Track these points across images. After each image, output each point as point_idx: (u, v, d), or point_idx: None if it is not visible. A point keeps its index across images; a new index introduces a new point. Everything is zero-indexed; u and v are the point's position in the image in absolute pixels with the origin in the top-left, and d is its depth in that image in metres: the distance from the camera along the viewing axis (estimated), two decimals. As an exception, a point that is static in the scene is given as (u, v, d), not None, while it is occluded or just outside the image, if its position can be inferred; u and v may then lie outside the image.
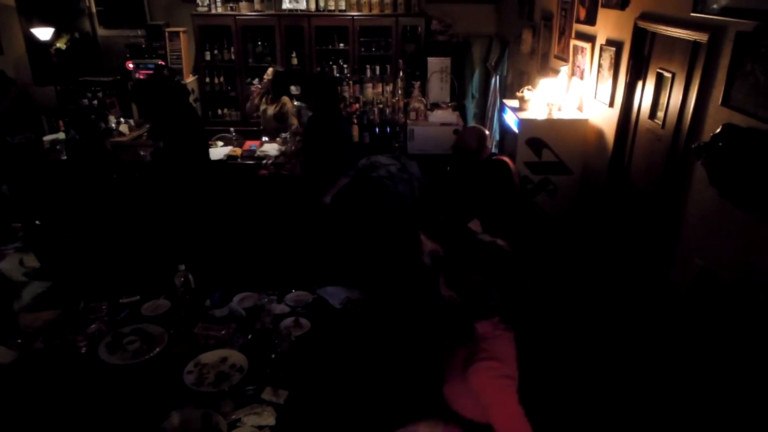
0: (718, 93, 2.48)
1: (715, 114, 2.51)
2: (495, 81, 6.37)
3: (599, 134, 3.89)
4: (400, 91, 5.56)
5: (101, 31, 6.86)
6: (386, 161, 4.66)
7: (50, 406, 2.06)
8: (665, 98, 3.04)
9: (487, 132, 3.61)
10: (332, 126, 3.98)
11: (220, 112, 6.86)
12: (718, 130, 2.30)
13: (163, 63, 6.44)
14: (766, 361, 2.16)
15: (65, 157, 4.92)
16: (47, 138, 5.30)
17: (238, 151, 5.08)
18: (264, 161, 4.83)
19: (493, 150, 3.76)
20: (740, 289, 2.33)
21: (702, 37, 2.61)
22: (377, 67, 6.54)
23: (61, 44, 6.53)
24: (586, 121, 4.06)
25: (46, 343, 2.37)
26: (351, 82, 6.29)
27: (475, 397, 1.71)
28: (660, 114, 3.11)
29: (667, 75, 3.01)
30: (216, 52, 6.59)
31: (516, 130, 4.13)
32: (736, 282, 2.36)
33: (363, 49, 6.53)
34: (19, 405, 2.06)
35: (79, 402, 2.07)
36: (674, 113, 2.91)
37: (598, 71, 3.89)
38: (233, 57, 6.57)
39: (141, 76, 6.35)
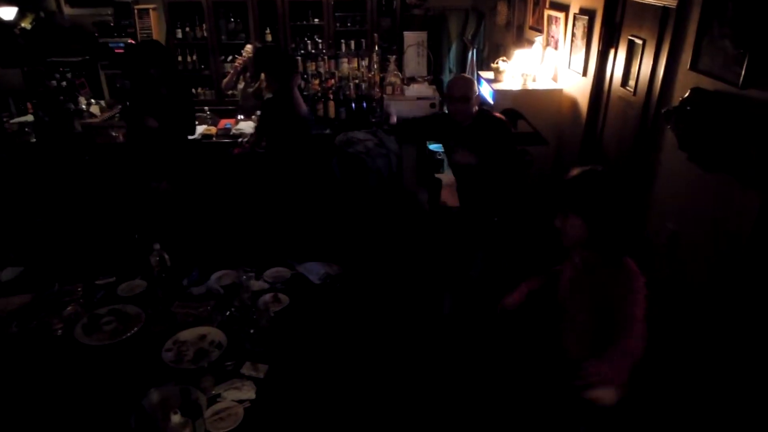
0: (686, 58, 2.50)
1: (684, 79, 2.53)
2: (472, 54, 6.33)
3: (573, 104, 3.91)
4: (376, 66, 5.51)
5: (68, 10, 6.63)
6: (363, 137, 4.63)
7: (27, 389, 2.04)
8: (636, 65, 3.05)
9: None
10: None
11: (194, 91, 6.73)
12: (687, 95, 2.32)
13: (133, 42, 6.28)
14: (739, 325, 2.21)
15: (34, 140, 4.82)
16: (15, 120, 5.18)
17: (213, 129, 5.02)
18: (240, 139, 4.78)
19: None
20: (709, 250, 2.38)
21: (671, 2, 2.62)
22: (353, 42, 6.46)
23: (26, 24, 6.31)
24: (560, 91, 4.07)
25: (21, 327, 2.34)
26: (326, 57, 6.21)
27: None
28: (631, 82, 3.13)
29: (638, 42, 3.02)
30: (188, 29, 6.43)
31: (491, 102, 4.13)
32: (705, 244, 2.41)
33: (338, 24, 6.43)
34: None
35: (57, 383, 2.06)
36: (645, 80, 2.93)
37: (572, 41, 3.90)
38: (206, 34, 6.42)
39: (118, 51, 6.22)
